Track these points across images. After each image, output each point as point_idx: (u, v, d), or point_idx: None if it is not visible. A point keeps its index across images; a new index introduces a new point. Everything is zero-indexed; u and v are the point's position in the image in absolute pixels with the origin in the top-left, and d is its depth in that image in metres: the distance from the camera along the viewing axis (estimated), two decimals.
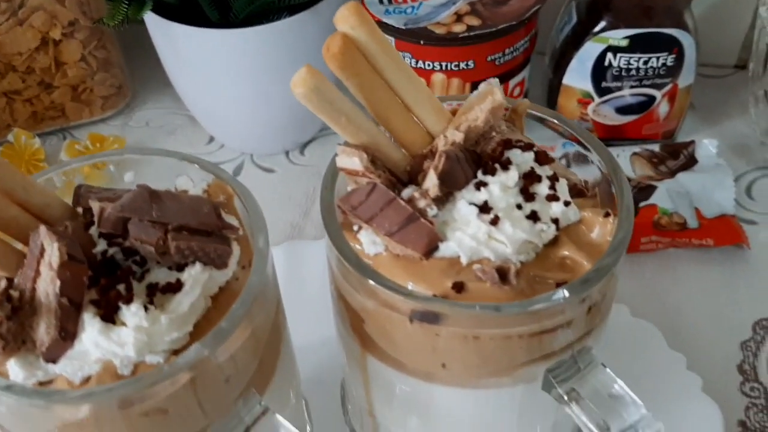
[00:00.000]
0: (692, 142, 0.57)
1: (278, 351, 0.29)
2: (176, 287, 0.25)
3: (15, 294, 0.25)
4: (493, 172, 0.27)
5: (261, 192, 0.58)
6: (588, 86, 0.56)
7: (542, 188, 0.28)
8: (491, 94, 0.28)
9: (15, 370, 0.24)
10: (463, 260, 0.26)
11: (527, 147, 0.29)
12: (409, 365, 0.28)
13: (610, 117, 0.57)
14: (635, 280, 0.52)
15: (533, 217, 0.27)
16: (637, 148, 0.57)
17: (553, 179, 0.28)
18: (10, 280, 0.25)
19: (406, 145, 0.29)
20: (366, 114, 0.28)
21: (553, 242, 0.27)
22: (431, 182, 0.27)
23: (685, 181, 0.54)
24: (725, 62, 0.67)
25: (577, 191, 0.29)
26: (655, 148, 0.57)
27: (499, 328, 0.25)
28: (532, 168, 0.28)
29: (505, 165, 0.28)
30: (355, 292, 0.27)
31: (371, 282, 0.26)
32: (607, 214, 0.28)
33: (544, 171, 0.28)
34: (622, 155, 0.56)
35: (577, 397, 0.27)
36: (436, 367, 0.27)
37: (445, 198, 0.28)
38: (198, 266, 0.26)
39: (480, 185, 0.27)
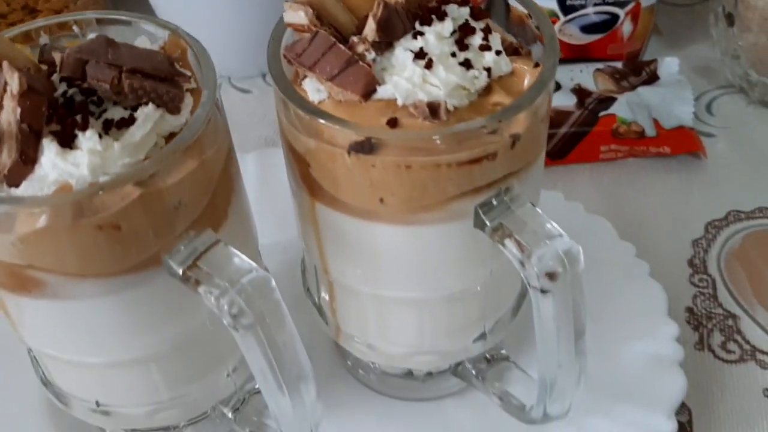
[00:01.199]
0: (654, 60, 0.59)
1: (229, 200, 0.31)
2: (129, 122, 0.27)
3: None
4: (429, 23, 0.29)
5: (238, 111, 0.61)
6: (553, 4, 0.57)
7: (476, 40, 0.30)
8: None
9: None
10: (399, 101, 0.28)
11: (463, 2, 0.30)
12: (351, 204, 0.30)
13: (575, 36, 0.59)
14: (592, 186, 0.54)
15: (466, 64, 0.29)
16: (600, 65, 0.58)
17: (487, 31, 0.30)
18: None
19: (352, 8, 0.31)
20: None
21: (486, 91, 0.29)
22: (369, 28, 0.29)
23: (646, 94, 0.56)
24: None
25: (513, 50, 0.31)
26: (618, 65, 0.59)
27: (429, 155, 0.27)
28: (467, 20, 0.30)
29: (442, 16, 0.30)
30: (300, 135, 0.29)
31: (313, 119, 0.28)
32: (537, 65, 0.30)
33: (479, 25, 0.30)
34: (585, 71, 0.58)
35: (505, 231, 0.29)
36: (375, 203, 0.29)
37: (384, 47, 0.29)
38: (151, 106, 0.28)
39: (417, 35, 0.29)
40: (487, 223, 0.29)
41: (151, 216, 0.27)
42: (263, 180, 0.49)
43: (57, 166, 0.26)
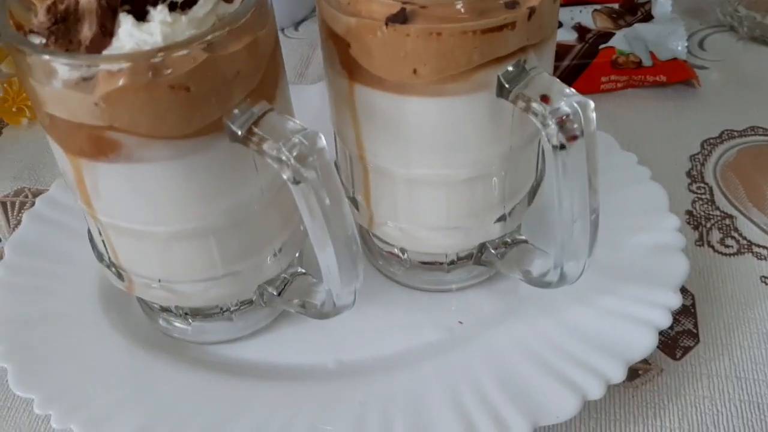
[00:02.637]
0: (648, 1, 0.63)
1: (276, 83, 0.35)
2: (192, 2, 0.31)
3: (61, 6, 0.31)
4: None
5: None
6: None
7: None
8: None
9: (59, 69, 0.30)
10: None
11: None
12: (387, 79, 0.33)
13: None
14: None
15: None
16: (598, 6, 0.62)
17: None
18: (52, 3, 0.31)
19: None
20: None
21: None
22: None
23: (641, 30, 0.60)
24: None
25: None
26: (615, 6, 0.63)
27: (456, 23, 0.31)
28: None
29: None
30: (341, 15, 0.33)
31: None
32: None
33: None
34: (584, 11, 0.62)
35: (525, 94, 0.32)
36: (409, 74, 0.33)
37: None
38: None
39: None
40: (509, 88, 0.33)
41: (215, 80, 0.31)
42: None
43: (133, 36, 0.30)
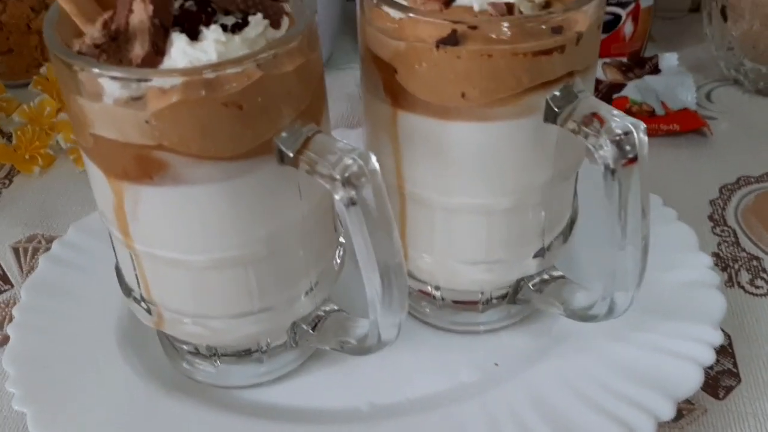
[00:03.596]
0: (655, 55, 0.65)
1: (322, 110, 0.34)
2: (243, 24, 0.31)
3: (112, 26, 0.30)
4: None
5: None
6: None
7: None
8: None
9: (108, 87, 0.30)
10: (475, 7, 0.32)
11: None
12: (434, 103, 0.33)
13: None
14: None
15: None
16: (607, 59, 0.64)
17: None
18: (106, 20, 0.31)
19: None
20: None
21: (546, 5, 0.34)
22: None
23: (651, 82, 0.61)
24: (681, 6, 0.76)
25: None
26: (623, 59, 0.64)
27: (507, 44, 0.31)
28: None
29: None
30: (389, 40, 0.33)
31: (406, 15, 0.32)
32: None
33: None
34: None
35: (575, 117, 0.32)
36: (457, 98, 0.33)
37: None
38: (259, 15, 0.32)
39: None
40: (558, 111, 0.33)
41: (268, 99, 0.30)
42: None
43: (187, 54, 0.30)
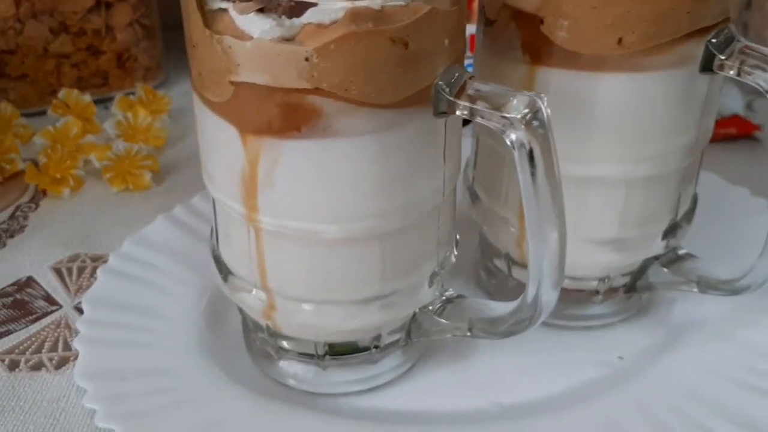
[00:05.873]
0: None
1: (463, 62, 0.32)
2: None
3: None
4: None
5: None
6: None
7: None
8: None
9: (259, 23, 0.26)
10: None
11: None
12: (584, 53, 0.31)
13: None
14: None
15: None
16: None
17: None
18: None
19: None
20: None
21: None
22: None
23: None
24: None
25: None
26: None
27: None
28: None
29: None
30: None
31: None
32: None
33: None
34: None
35: (739, 59, 0.31)
36: (611, 45, 0.31)
37: None
38: None
39: None
40: (719, 56, 0.31)
41: (433, 37, 0.28)
42: None
43: None
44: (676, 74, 0.32)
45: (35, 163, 0.54)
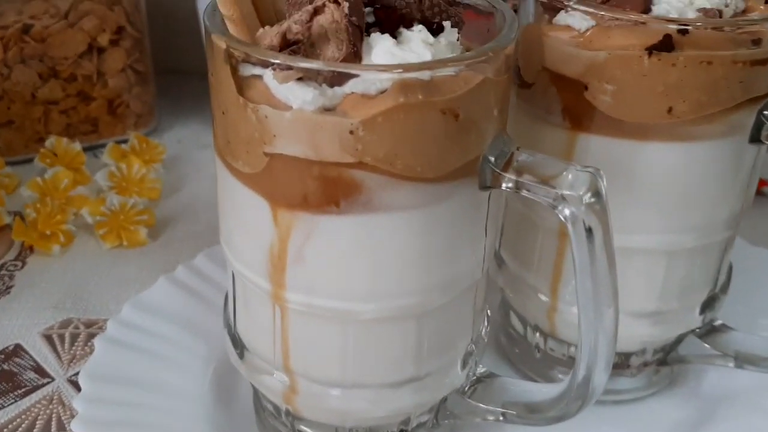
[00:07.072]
0: None
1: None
2: (439, 30, 0.27)
3: (296, 27, 0.26)
4: None
5: None
6: None
7: None
8: None
9: (301, 92, 0.24)
10: (674, 15, 0.30)
11: None
12: (629, 122, 0.30)
13: None
14: None
15: None
16: None
17: None
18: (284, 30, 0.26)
19: None
20: None
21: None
22: None
23: None
24: None
25: None
26: None
27: (728, 50, 0.28)
28: None
29: None
30: (582, 51, 0.30)
31: (610, 19, 0.29)
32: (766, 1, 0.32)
33: None
34: None
35: None
36: (660, 114, 0.29)
37: None
38: (448, 23, 0.28)
39: None
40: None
41: (482, 109, 0.26)
42: None
43: (395, 55, 0.25)
44: (726, 144, 0.30)
45: (21, 216, 0.51)
